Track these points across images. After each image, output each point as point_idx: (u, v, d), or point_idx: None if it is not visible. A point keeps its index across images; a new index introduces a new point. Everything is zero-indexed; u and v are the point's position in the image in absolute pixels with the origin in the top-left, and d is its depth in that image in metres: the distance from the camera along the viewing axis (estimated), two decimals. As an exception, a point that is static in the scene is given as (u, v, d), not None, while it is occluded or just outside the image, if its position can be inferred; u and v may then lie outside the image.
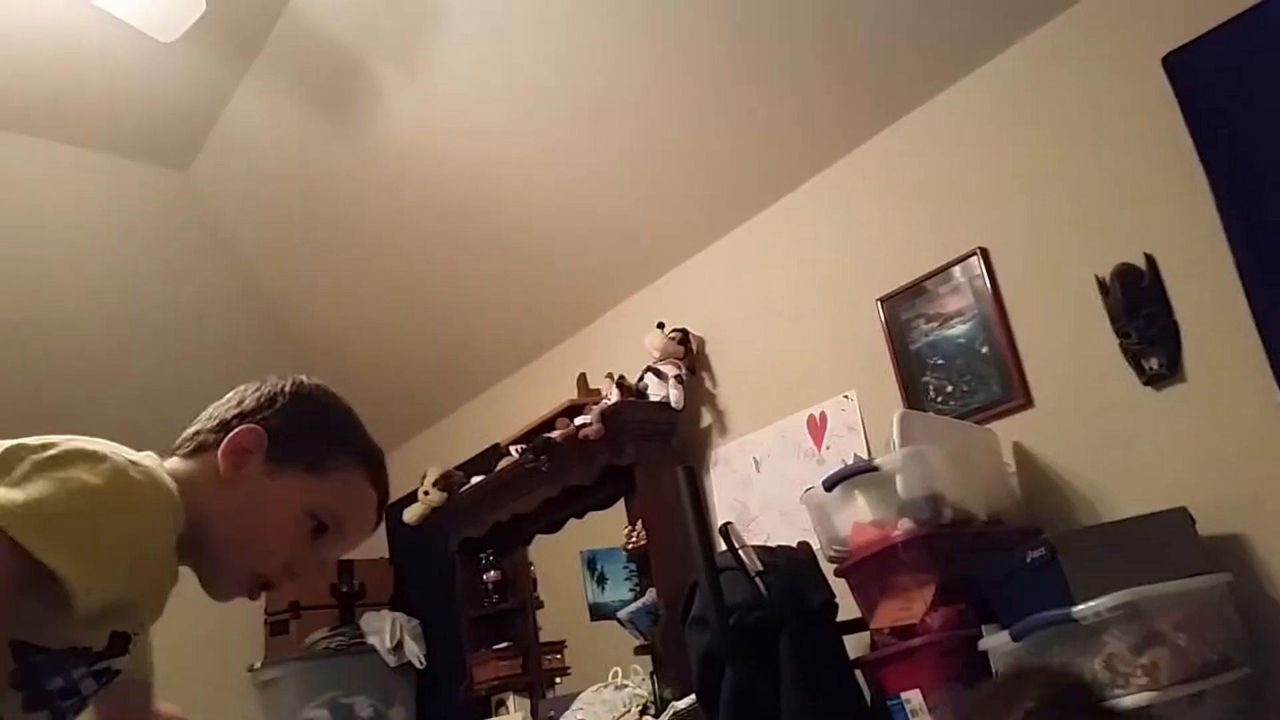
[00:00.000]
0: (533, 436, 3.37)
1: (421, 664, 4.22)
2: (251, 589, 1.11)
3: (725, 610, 2.19)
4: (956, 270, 2.58)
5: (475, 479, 3.72)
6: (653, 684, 2.95)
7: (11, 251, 3.60)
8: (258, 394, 1.13)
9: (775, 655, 2.14)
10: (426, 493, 3.85)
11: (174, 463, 1.09)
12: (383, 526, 4.55)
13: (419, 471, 3.95)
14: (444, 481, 3.84)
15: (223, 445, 1.08)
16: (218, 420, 1.11)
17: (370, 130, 3.34)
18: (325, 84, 3.27)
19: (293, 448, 1.10)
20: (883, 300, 2.73)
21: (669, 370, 3.16)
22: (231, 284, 4.14)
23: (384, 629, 4.21)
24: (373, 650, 4.20)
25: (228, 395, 1.14)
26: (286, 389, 1.15)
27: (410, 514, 3.89)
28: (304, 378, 1.17)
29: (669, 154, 3.04)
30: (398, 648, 4.20)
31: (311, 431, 1.13)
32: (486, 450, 3.91)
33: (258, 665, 4.28)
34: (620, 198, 3.23)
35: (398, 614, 4.33)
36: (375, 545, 4.74)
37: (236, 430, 1.09)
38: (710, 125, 2.92)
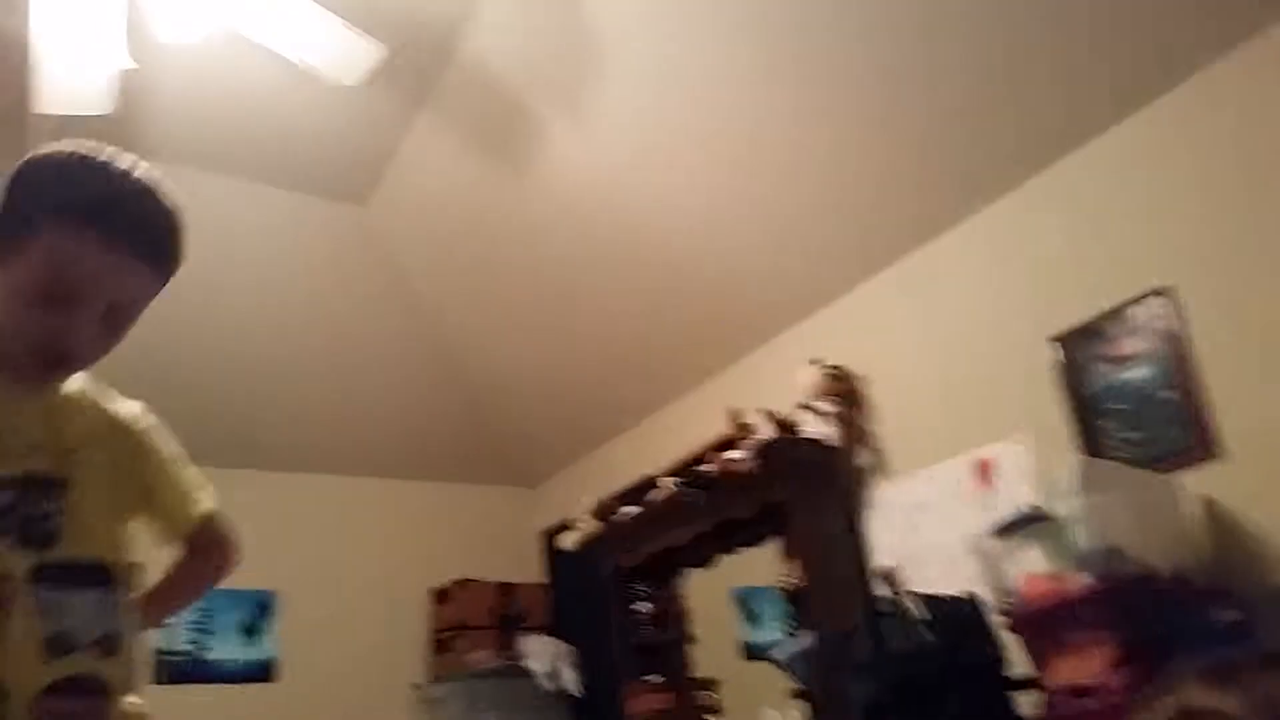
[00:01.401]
0: (686, 469, 3.39)
1: (578, 692, 4.28)
2: (37, 369, 1.13)
3: (888, 659, 2.14)
4: (1138, 309, 2.45)
5: (629, 510, 3.76)
6: (809, 728, 2.90)
7: (204, 282, 3.87)
8: None
9: (941, 709, 2.07)
10: (582, 521, 3.93)
11: None
12: (541, 553, 4.65)
13: (574, 499, 4.04)
14: (599, 511, 3.91)
15: None
16: None
17: (534, 169, 3.46)
18: (493, 124, 3.40)
19: None
20: (1057, 339, 2.62)
21: (826, 408, 3.12)
22: (402, 313, 4.34)
23: (542, 654, 4.30)
24: (531, 674, 4.29)
25: None
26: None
27: (566, 541, 3.98)
28: (30, 153, 1.11)
29: (826, 187, 3.02)
30: (555, 674, 4.28)
31: (5, 215, 1.09)
32: (640, 482, 3.96)
33: (422, 682, 4.44)
34: (775, 232, 3.22)
35: (555, 640, 4.42)
36: (533, 570, 4.87)
37: None
38: (870, 158, 2.89)
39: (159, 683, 4.06)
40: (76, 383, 1.23)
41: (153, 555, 1.35)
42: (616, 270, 3.67)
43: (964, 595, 2.36)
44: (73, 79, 2.45)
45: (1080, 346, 2.57)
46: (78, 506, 1.15)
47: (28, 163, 1.11)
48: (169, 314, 4.30)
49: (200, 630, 4.24)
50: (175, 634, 4.17)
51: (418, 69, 3.24)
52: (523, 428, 4.75)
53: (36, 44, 2.41)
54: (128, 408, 1.30)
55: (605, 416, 4.40)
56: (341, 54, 2.65)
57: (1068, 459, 2.20)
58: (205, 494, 1.37)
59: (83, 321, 1.10)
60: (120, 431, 1.27)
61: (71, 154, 1.12)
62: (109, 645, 1.14)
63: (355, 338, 4.33)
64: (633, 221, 3.45)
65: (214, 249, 3.81)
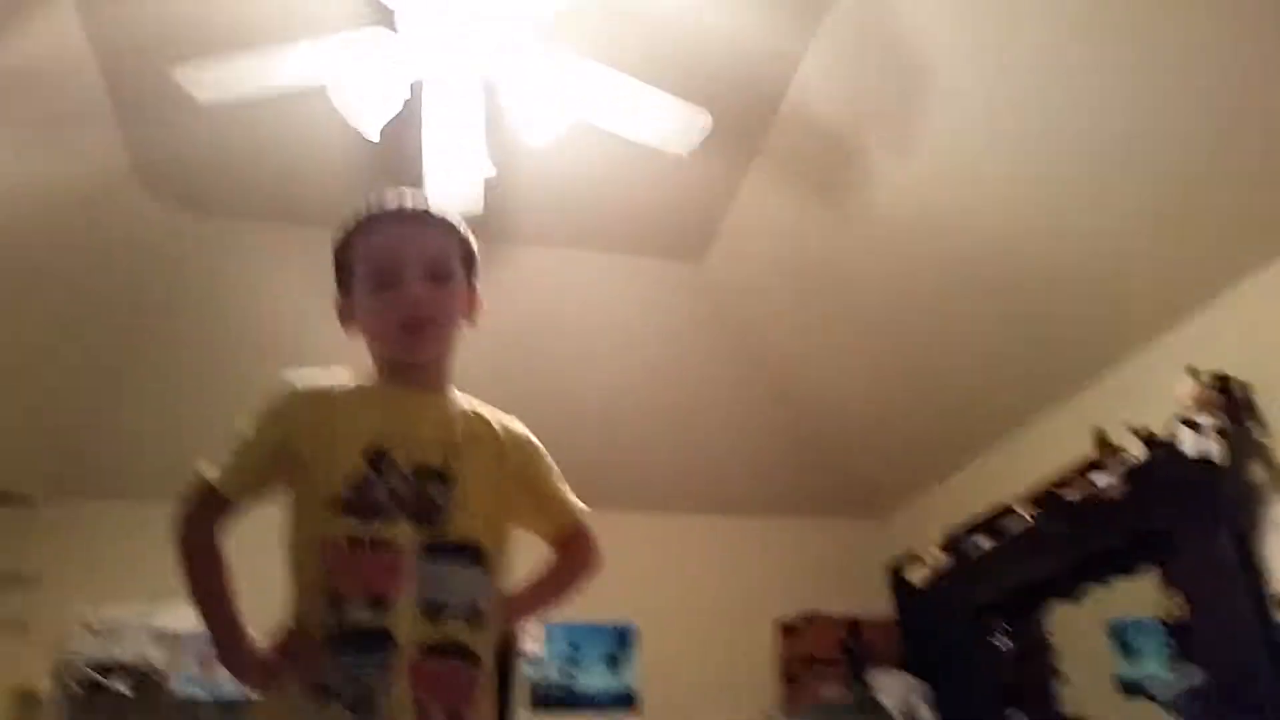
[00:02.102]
0: (1046, 497, 3.20)
1: (934, 731, 4.12)
2: (407, 345, 1.41)
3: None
4: None
5: (983, 542, 3.60)
6: (1205, 774, 2.60)
7: (564, 345, 4.25)
8: None
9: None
10: (932, 554, 3.81)
11: None
12: (888, 587, 4.58)
13: (921, 531, 3.93)
14: (949, 544, 3.78)
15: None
16: None
17: (863, 205, 3.47)
18: (822, 168, 3.47)
19: (339, 282, 1.48)
20: None
21: (1206, 421, 2.82)
22: (741, 360, 4.49)
23: (895, 690, 4.19)
24: (885, 711, 4.19)
25: None
26: None
27: (915, 576, 3.88)
28: None
29: (1197, 179, 2.76)
30: (909, 711, 4.15)
31: (338, 272, 1.48)
32: (995, 511, 3.77)
33: (774, 714, 4.48)
34: (1138, 233, 2.99)
35: (908, 676, 4.28)
36: (881, 604, 4.77)
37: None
38: (1249, 139, 2.61)
39: (534, 709, 4.43)
40: (464, 399, 1.48)
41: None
42: (959, 295, 3.57)
43: (1396, 621, 2.03)
44: (448, 187, 2.83)
45: None
46: (463, 496, 1.35)
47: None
48: (539, 372, 4.78)
49: (569, 661, 4.58)
50: (547, 665, 4.54)
51: (745, 127, 3.37)
52: (866, 459, 4.71)
53: (427, 160, 2.84)
54: (519, 423, 1.53)
55: (953, 443, 4.25)
56: (674, 126, 2.82)
57: None
58: (580, 505, 1.57)
59: (412, 286, 1.40)
60: (513, 439, 1.49)
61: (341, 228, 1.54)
62: (476, 617, 1.32)
63: (698, 386, 4.54)
64: (975, 244, 3.35)
65: (575, 316, 4.19)
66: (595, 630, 4.64)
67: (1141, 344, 3.29)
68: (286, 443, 1.35)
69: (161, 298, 3.86)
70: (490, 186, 2.97)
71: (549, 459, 1.54)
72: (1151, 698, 2.81)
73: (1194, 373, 2.90)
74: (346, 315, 1.46)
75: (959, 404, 4.01)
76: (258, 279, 3.91)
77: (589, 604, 5.22)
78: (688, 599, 4.76)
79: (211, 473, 1.35)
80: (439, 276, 1.42)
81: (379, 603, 1.24)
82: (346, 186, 3.36)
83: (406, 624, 1.25)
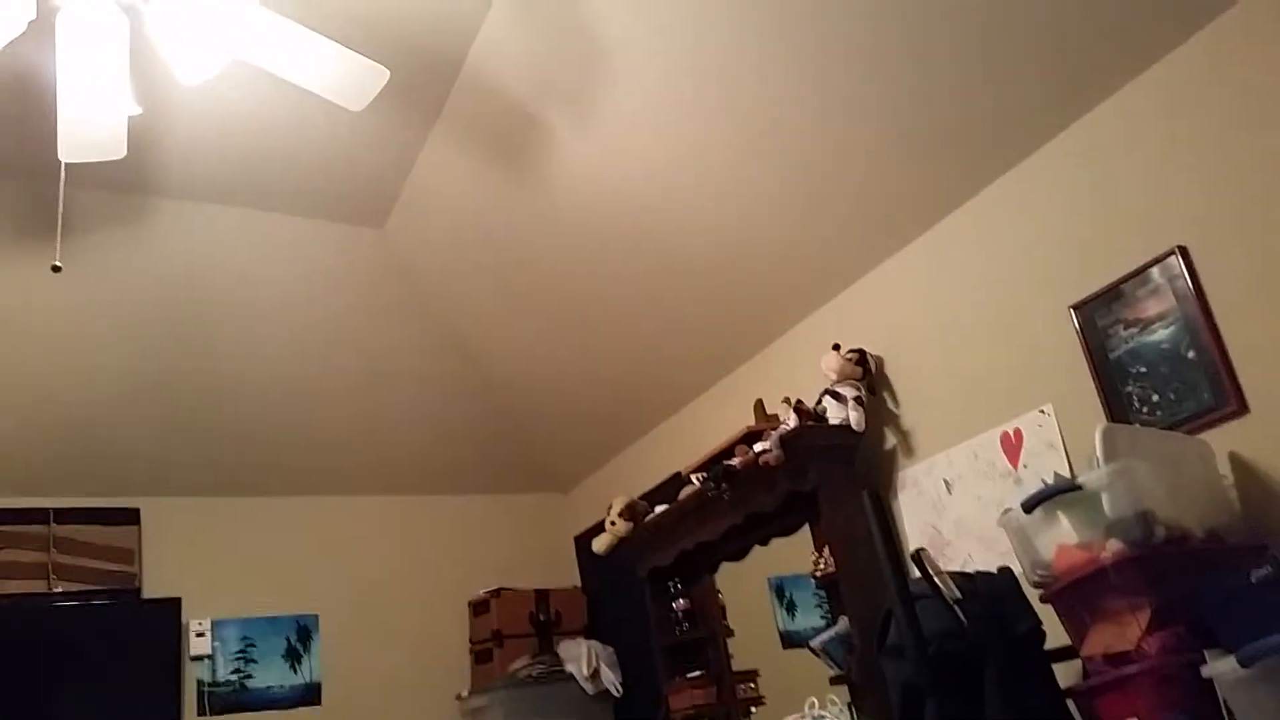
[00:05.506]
0: (713, 464, 3.38)
1: (618, 691, 4.29)
2: None
3: (923, 640, 2.12)
4: (1154, 271, 2.42)
5: (659, 508, 3.76)
6: (850, 715, 2.90)
7: (224, 314, 3.91)
8: None
9: (979, 685, 2.06)
10: (613, 523, 3.93)
11: None
12: (574, 555, 4.69)
13: (605, 502, 4.05)
14: (629, 511, 3.92)
15: None
16: None
17: (546, 177, 3.46)
18: (502, 136, 3.41)
19: None
20: (1076, 307, 2.59)
21: (847, 392, 3.11)
22: (426, 332, 4.38)
23: (580, 657, 4.31)
24: (571, 678, 4.30)
25: None
26: None
27: (598, 544, 3.99)
28: None
29: (837, 174, 3.01)
30: (595, 675, 4.29)
31: None
32: (669, 479, 3.97)
33: (465, 694, 4.46)
34: (789, 222, 3.22)
35: (593, 642, 4.43)
36: (569, 574, 4.88)
37: None
38: (878, 140, 2.87)
39: (205, 714, 4.10)
40: None
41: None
42: (635, 272, 3.67)
43: (997, 571, 2.34)
44: (85, 127, 2.48)
45: (1100, 312, 2.54)
46: None
47: None
48: (201, 348, 4.34)
49: (244, 659, 4.29)
50: (219, 664, 4.22)
51: (425, 88, 3.25)
52: (552, 434, 4.77)
53: (60, 94, 2.45)
54: None
55: (632, 416, 4.41)
56: (348, 80, 2.64)
57: (1094, 426, 2.17)
58: None
59: None
60: None
61: None
62: None
63: (381, 359, 4.37)
64: (647, 222, 3.45)
65: (237, 282, 3.85)
66: (272, 623, 4.37)
67: (795, 322, 3.57)
68: None
69: None
70: (138, 130, 2.63)
71: None
72: (806, 646, 3.08)
73: (836, 348, 3.19)
74: None
75: (637, 378, 4.15)
76: None
77: (265, 596, 4.88)
78: (375, 584, 4.61)
79: None
80: None
81: None
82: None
83: None
